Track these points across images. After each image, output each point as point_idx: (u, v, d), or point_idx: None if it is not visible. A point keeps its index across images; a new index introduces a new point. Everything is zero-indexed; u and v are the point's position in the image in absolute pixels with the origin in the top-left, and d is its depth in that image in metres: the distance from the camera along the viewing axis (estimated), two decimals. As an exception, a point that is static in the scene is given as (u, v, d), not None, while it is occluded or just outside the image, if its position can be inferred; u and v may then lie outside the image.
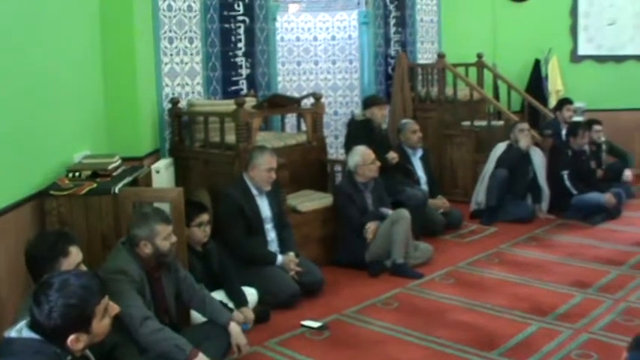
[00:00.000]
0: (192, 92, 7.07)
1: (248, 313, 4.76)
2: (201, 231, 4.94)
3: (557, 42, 10.47)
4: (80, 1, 5.47)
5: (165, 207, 4.47)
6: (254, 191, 5.57)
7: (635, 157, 9.54)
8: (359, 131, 7.27)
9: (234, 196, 5.49)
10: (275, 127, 7.78)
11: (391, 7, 9.21)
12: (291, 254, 5.54)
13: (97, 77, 5.79)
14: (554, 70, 10.25)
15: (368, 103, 7.62)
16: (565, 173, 7.99)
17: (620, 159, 9.22)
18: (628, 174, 8.99)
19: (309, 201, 6.42)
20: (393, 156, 7.28)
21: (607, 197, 7.91)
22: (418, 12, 9.57)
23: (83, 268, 3.33)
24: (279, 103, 6.91)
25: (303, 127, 7.09)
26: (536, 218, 7.89)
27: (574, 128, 8.31)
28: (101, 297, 2.66)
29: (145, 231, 3.95)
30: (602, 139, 8.97)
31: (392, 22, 9.27)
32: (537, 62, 10.31)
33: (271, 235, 5.64)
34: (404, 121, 8.01)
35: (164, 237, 3.99)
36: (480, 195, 7.97)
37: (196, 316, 4.48)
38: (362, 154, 6.42)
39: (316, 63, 9.29)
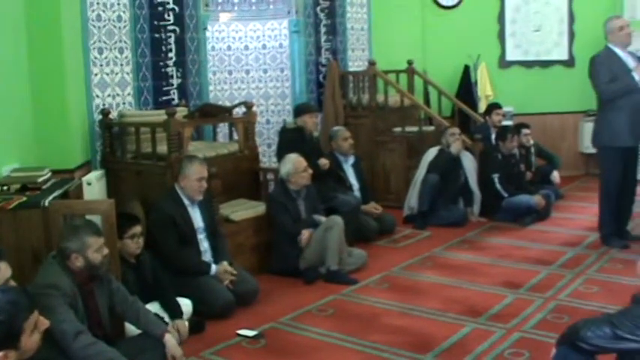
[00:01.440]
0: (124, 103, 7.01)
1: (182, 326, 4.73)
2: (134, 243, 4.90)
3: (486, 48, 10.69)
4: (4, 11, 5.38)
5: (96, 219, 4.42)
6: (186, 201, 5.54)
7: (562, 159, 9.76)
8: (291, 139, 7.29)
9: (165, 207, 5.46)
10: (207, 136, 7.76)
11: (322, 15, 9.25)
12: (225, 264, 5.52)
13: (25, 89, 5.70)
14: (483, 75, 10.43)
15: (299, 111, 7.64)
16: (495, 176, 8.15)
17: (549, 161, 9.46)
18: (556, 176, 9.25)
19: (243, 210, 6.41)
20: (324, 162, 7.31)
21: (536, 199, 8.09)
22: (348, 20, 9.63)
23: (12, 283, 3.28)
24: (211, 113, 6.88)
25: (235, 136, 7.09)
26: (468, 221, 8.03)
27: (503, 132, 8.49)
28: (30, 312, 2.63)
29: (76, 244, 3.90)
30: (531, 142, 9.19)
31: (323, 30, 9.31)
32: (467, 68, 10.47)
33: (204, 245, 5.61)
34: (335, 128, 8.05)
35: (95, 249, 3.95)
36: (412, 200, 8.06)
37: (131, 329, 4.43)
38: (294, 162, 6.44)
39: (248, 72, 9.30)
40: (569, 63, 11.13)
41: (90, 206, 4.87)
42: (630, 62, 6.68)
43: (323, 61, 9.31)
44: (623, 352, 3.12)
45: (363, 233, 7.21)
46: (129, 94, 7.07)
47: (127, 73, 7.05)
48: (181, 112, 6.70)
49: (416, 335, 4.86)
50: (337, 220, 6.26)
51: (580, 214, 8.33)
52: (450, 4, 10.64)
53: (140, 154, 6.43)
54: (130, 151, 6.56)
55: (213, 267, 5.47)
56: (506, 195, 8.10)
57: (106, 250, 4.03)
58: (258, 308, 5.49)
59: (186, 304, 5.02)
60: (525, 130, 9.03)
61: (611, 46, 6.77)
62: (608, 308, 4.98)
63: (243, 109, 7.19)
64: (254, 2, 9.12)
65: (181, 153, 6.09)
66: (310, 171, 6.53)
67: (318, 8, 9.21)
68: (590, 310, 5.12)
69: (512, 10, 10.96)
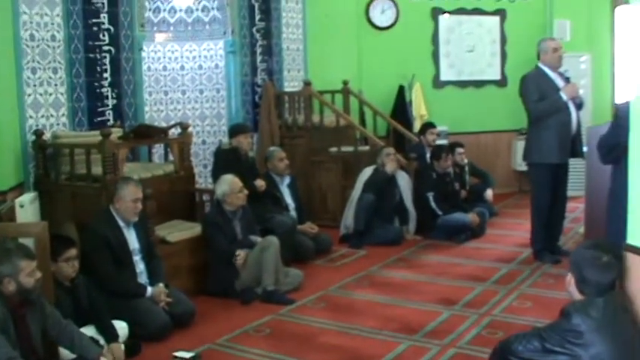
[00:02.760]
0: (58, 124, 6.91)
1: (117, 349, 4.68)
2: (69, 266, 4.84)
3: (420, 68, 10.80)
4: None
5: (29, 242, 4.37)
6: (121, 223, 5.49)
7: (496, 178, 9.92)
8: (226, 160, 7.31)
9: (99, 229, 5.40)
10: (142, 157, 7.70)
11: (257, 35, 9.28)
12: (161, 285, 5.48)
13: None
14: (417, 95, 10.52)
15: (233, 131, 7.67)
16: (430, 195, 8.25)
17: (482, 180, 9.60)
18: (490, 194, 9.38)
19: (178, 231, 6.38)
20: (260, 184, 7.33)
21: (471, 217, 8.22)
22: (284, 40, 9.67)
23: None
24: (146, 134, 6.85)
25: (171, 157, 7.06)
26: (403, 240, 8.09)
27: (437, 151, 8.61)
28: None
29: (8, 268, 3.85)
30: (465, 161, 9.32)
31: (258, 50, 9.34)
32: (402, 88, 10.53)
33: (140, 266, 5.56)
34: (271, 148, 8.07)
35: (28, 273, 3.90)
36: (348, 219, 8.11)
37: (65, 353, 4.38)
38: (230, 182, 6.43)
39: (183, 92, 9.27)
40: (502, 83, 11.34)
41: (22, 229, 4.81)
42: (559, 82, 6.87)
43: (259, 81, 9.33)
44: (553, 365, 3.21)
45: (299, 253, 7.22)
46: (63, 114, 6.97)
47: (62, 94, 6.96)
48: (116, 133, 6.63)
49: (352, 354, 4.89)
50: (273, 240, 6.27)
51: (513, 231, 8.47)
52: (385, 25, 10.73)
53: (74, 175, 6.35)
54: (64, 172, 6.47)
55: (149, 289, 5.43)
56: (441, 213, 8.21)
57: (38, 274, 3.99)
58: (194, 330, 5.46)
59: (121, 327, 4.96)
60: (459, 149, 9.18)
61: (541, 65, 6.95)
62: (541, 322, 5.03)
63: (178, 129, 7.17)
64: (190, 23, 9.12)
65: (116, 174, 6.04)
66: (246, 191, 6.54)
67: (254, 29, 9.24)
68: (523, 324, 5.21)
69: (446, 30, 11.12)
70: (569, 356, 3.09)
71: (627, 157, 3.43)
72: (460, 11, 11.14)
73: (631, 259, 3.35)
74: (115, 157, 6.12)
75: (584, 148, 6.91)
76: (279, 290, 6.16)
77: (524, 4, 11.31)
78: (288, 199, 7.77)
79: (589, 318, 3.10)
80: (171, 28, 9.12)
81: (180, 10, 9.09)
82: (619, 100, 10.33)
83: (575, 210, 8.87)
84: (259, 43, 9.33)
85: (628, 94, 3.49)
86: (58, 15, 6.86)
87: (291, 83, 9.76)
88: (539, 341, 3.18)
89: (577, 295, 3.30)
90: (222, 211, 6.42)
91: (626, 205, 3.44)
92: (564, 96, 6.73)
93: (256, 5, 9.24)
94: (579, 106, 6.93)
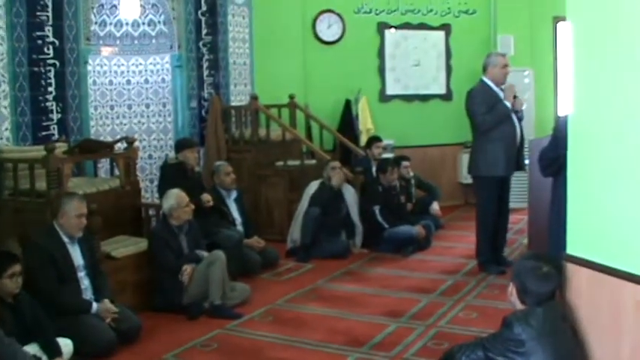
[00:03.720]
0: (1, 138, 6.79)
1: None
2: (12, 282, 4.75)
3: (367, 82, 10.87)
4: None
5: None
6: (65, 239, 5.43)
7: (442, 190, 10.02)
8: (172, 174, 7.28)
9: (43, 245, 5.33)
10: (88, 172, 7.62)
11: (204, 50, 9.28)
12: (107, 301, 5.42)
13: None
14: (364, 109, 10.58)
15: (180, 146, 7.65)
16: (376, 208, 8.31)
17: (428, 192, 9.69)
18: (436, 207, 9.46)
19: (124, 247, 6.33)
20: (207, 199, 7.31)
21: (417, 229, 8.29)
22: (231, 55, 9.67)
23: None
24: (92, 148, 6.80)
25: (117, 171, 7.00)
26: (350, 253, 8.13)
27: (383, 165, 8.66)
28: None
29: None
30: (411, 174, 9.40)
31: (205, 64, 9.33)
32: (348, 102, 10.60)
33: (85, 282, 5.49)
34: (218, 163, 8.06)
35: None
36: (295, 233, 8.12)
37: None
38: (176, 197, 6.41)
39: (130, 107, 9.22)
40: (447, 97, 11.47)
41: (-36, 246, 4.74)
42: (501, 94, 6.98)
43: (205, 95, 9.32)
44: (496, 374, 3.26)
45: (246, 267, 7.20)
46: (7, 129, 6.86)
47: (5, 108, 6.84)
48: (61, 147, 6.57)
49: (300, 367, 4.91)
50: (220, 254, 6.26)
51: (459, 243, 8.57)
52: (332, 39, 10.79)
53: (18, 190, 6.26)
54: (7, 187, 6.37)
55: (94, 305, 5.36)
56: (387, 226, 8.26)
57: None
58: (141, 346, 5.41)
59: (66, 344, 4.90)
60: (405, 163, 9.27)
61: (485, 80, 7.06)
62: (487, 333, 5.12)
63: (124, 144, 7.12)
64: (136, 37, 9.07)
65: (61, 189, 5.98)
66: (192, 206, 6.52)
67: (201, 43, 9.23)
68: (470, 335, 5.24)
69: (392, 45, 11.22)
70: (512, 365, 3.15)
71: (567, 170, 3.50)
72: (406, 26, 11.25)
73: (571, 269, 3.42)
74: (60, 172, 6.05)
75: (527, 161, 7.04)
76: (226, 304, 6.14)
77: (469, 20, 11.48)
78: (235, 213, 7.76)
79: (529, 327, 3.16)
80: (118, 42, 9.06)
81: (127, 24, 9.04)
82: (561, 113, 10.52)
83: (519, 222, 9.01)
84: (206, 57, 9.32)
85: (568, 108, 3.58)
86: (1, 28, 6.76)
87: (238, 97, 9.76)
88: (482, 351, 3.24)
89: (519, 305, 3.36)
90: (168, 226, 6.39)
91: (566, 216, 3.51)
92: (508, 104, 6.85)
93: (203, 19, 9.23)
94: (520, 118, 7.06)
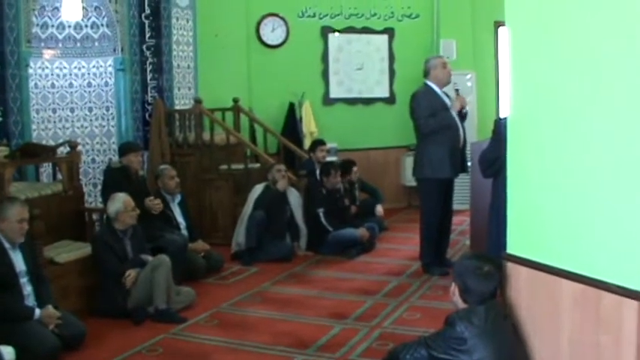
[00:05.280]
0: (-59, 142, 6.73)
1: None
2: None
3: (310, 86, 10.93)
4: None
5: None
6: (6, 244, 5.34)
7: (385, 193, 10.10)
8: (116, 179, 7.21)
9: (-17, 251, 5.26)
10: (30, 176, 7.54)
11: (147, 53, 9.22)
12: (50, 307, 5.35)
13: None
14: (307, 112, 10.63)
15: (123, 150, 7.59)
16: (320, 211, 8.35)
17: (372, 195, 9.77)
18: (379, 209, 9.53)
19: (67, 252, 6.27)
20: (156, 202, 7.27)
21: (361, 232, 8.36)
22: (175, 58, 9.61)
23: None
24: (33, 152, 6.73)
25: (60, 176, 6.93)
26: (295, 256, 8.15)
27: (327, 168, 8.71)
28: None
29: None
30: (355, 177, 9.46)
31: (149, 68, 9.27)
32: (292, 105, 10.64)
33: (27, 289, 5.41)
34: (162, 167, 8.00)
35: None
36: (239, 236, 8.12)
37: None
38: (123, 200, 6.36)
39: (72, 110, 9.14)
40: (390, 100, 11.58)
41: None
42: (447, 99, 7.07)
43: (149, 99, 9.27)
44: (440, 371, 3.32)
45: (191, 271, 7.17)
46: (-54, 134, 6.78)
47: (-57, 112, 6.76)
48: (2, 152, 6.48)
49: (246, 370, 4.92)
50: (164, 258, 6.23)
51: (403, 245, 8.65)
52: (275, 43, 10.82)
53: (-42, 196, 6.18)
54: (-54, 192, 6.29)
55: (37, 311, 5.29)
56: (331, 229, 8.32)
57: None
58: (85, 352, 5.35)
59: (8, 352, 4.81)
60: (354, 168, 9.35)
61: (429, 83, 7.16)
62: (431, 332, 5.21)
63: (67, 148, 7.06)
64: (79, 39, 8.99)
65: (2, 194, 5.90)
66: (138, 210, 6.48)
67: (144, 46, 9.18)
68: (414, 335, 5.26)
69: (336, 49, 11.29)
70: (454, 363, 3.21)
71: (506, 171, 3.58)
72: (349, 30, 11.34)
73: (511, 267, 3.50)
74: (1, 177, 5.98)
75: (469, 163, 7.15)
76: (171, 309, 6.11)
77: (412, 24, 11.60)
78: (179, 217, 7.72)
79: (472, 325, 3.22)
80: (60, 45, 8.98)
81: (69, 27, 8.96)
82: (502, 115, 10.70)
83: (462, 223, 9.13)
84: (149, 60, 9.26)
85: (508, 110, 3.68)
86: (-61, 30, 6.69)
87: (182, 101, 9.72)
88: (425, 349, 3.29)
89: (461, 304, 3.42)
90: (112, 230, 6.35)
91: (505, 216, 3.59)
92: (454, 112, 6.95)
93: (146, 23, 9.18)
94: (464, 117, 7.17)
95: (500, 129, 4.55)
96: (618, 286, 2.89)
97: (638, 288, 2.82)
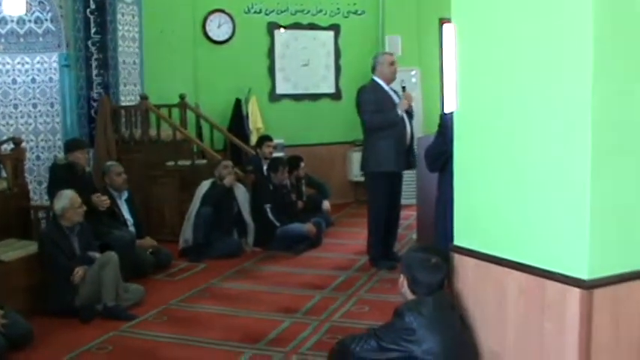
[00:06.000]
0: None
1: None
2: None
3: (257, 82, 10.91)
4: None
5: None
6: (-49, 243, 5.31)
7: (332, 188, 10.15)
8: (62, 176, 7.14)
9: None
10: (-27, 174, 7.44)
11: (93, 49, 9.13)
12: (-5, 307, 5.32)
13: None
14: (254, 108, 10.62)
15: (69, 146, 7.51)
16: (268, 207, 8.38)
17: (319, 191, 9.80)
18: (326, 205, 9.57)
19: (13, 250, 6.20)
20: (103, 198, 7.20)
21: (308, 227, 8.40)
22: (120, 54, 9.52)
23: None
24: (-24, 150, 6.64)
25: (4, 173, 6.86)
26: (243, 252, 8.17)
27: (274, 164, 8.74)
28: None
29: None
30: (302, 173, 9.49)
31: (94, 64, 9.18)
32: (238, 101, 10.62)
33: (-27, 288, 5.39)
34: (108, 163, 7.93)
35: None
36: (187, 233, 8.10)
37: None
38: (70, 197, 6.30)
39: (16, 106, 9.00)
40: (336, 96, 11.62)
41: None
42: (393, 95, 7.15)
43: (95, 95, 9.17)
44: (389, 362, 3.38)
45: (139, 268, 7.13)
46: None
47: None
48: (-56, 149, 6.40)
49: (196, 365, 4.92)
50: (112, 255, 6.20)
51: (350, 240, 8.71)
52: (222, 39, 10.78)
53: None
54: None
55: (-18, 311, 5.25)
56: (278, 224, 8.35)
57: None
58: (33, 352, 5.30)
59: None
60: (302, 164, 9.38)
61: (376, 79, 7.22)
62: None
63: (11, 145, 6.98)
64: (22, 35, 8.87)
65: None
66: (84, 207, 6.43)
67: (90, 42, 9.09)
68: (362, 328, 5.35)
69: (282, 45, 11.29)
70: (404, 352, 3.26)
71: (452, 165, 3.64)
72: (295, 26, 11.34)
73: (458, 259, 3.56)
74: (-56, 175, 5.90)
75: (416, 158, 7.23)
76: (120, 306, 6.09)
77: (358, 20, 11.66)
78: (126, 214, 7.67)
79: (420, 316, 3.28)
80: (2, 40, 8.84)
81: (12, 21, 8.83)
82: (447, 110, 10.83)
83: (409, 217, 9.21)
84: (95, 56, 9.17)
85: (453, 105, 3.74)
86: None
87: (128, 97, 9.64)
88: (375, 340, 3.34)
89: (409, 296, 3.48)
90: (59, 227, 6.29)
91: (452, 210, 3.65)
92: (400, 111, 7.02)
93: (92, 18, 9.09)
94: (411, 115, 7.25)
95: (445, 123, 4.62)
96: (562, 275, 2.97)
97: (580, 276, 2.90)
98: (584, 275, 2.90)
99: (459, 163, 3.58)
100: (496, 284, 3.32)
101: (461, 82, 3.57)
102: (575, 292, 2.92)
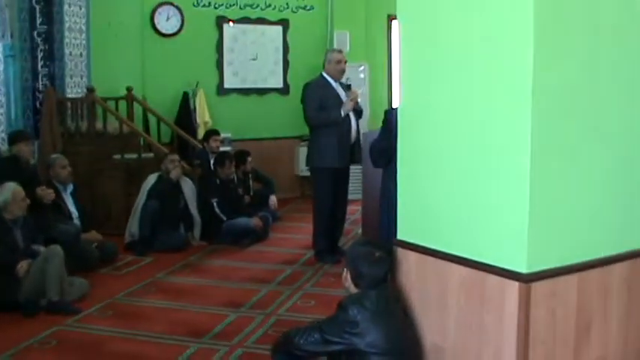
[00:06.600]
0: None
1: None
2: None
3: (205, 75, 10.89)
4: None
5: None
6: None
7: (279, 183, 10.18)
8: (5, 168, 7.05)
9: None
10: None
11: (38, 40, 9.01)
12: None
13: None
14: (201, 102, 10.61)
15: (14, 138, 7.42)
16: (214, 201, 8.39)
17: (266, 185, 9.81)
18: (273, 199, 9.57)
19: (-47, 244, 6.11)
20: (48, 191, 7.13)
21: (255, 221, 8.43)
22: (67, 45, 9.40)
23: None
24: None
25: (-55, 165, 6.75)
26: (189, 246, 8.17)
27: (221, 158, 8.73)
28: None
29: None
30: (249, 167, 9.50)
31: (40, 55, 9.07)
32: (186, 95, 10.59)
33: None
34: (53, 156, 7.85)
35: None
36: (133, 226, 8.07)
37: None
38: (13, 190, 6.21)
39: (-42, 97, 8.86)
40: (284, 91, 11.66)
41: None
42: (341, 91, 7.21)
43: (40, 87, 9.06)
44: (333, 354, 3.41)
45: (84, 262, 7.06)
46: None
47: None
48: None
49: None
50: (57, 249, 6.14)
51: (297, 234, 8.77)
52: (170, 32, 10.72)
53: None
54: None
55: None
56: (225, 218, 8.36)
57: None
58: (-27, 347, 5.25)
59: None
60: (249, 158, 9.38)
61: (325, 75, 7.28)
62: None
63: (-48, 137, 6.87)
64: (-36, 24, 8.74)
65: None
66: (28, 200, 6.36)
67: (35, 32, 8.97)
68: (308, 322, 5.42)
69: (230, 39, 11.27)
70: (347, 345, 3.30)
71: (396, 160, 3.69)
72: (244, 20, 11.34)
73: (401, 253, 3.61)
74: None
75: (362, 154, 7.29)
76: (65, 300, 6.04)
77: (307, 15, 11.70)
78: (71, 207, 7.60)
79: (364, 309, 3.32)
80: (-57, 30, 8.70)
81: (-46, 11, 8.69)
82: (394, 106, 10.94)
83: (355, 212, 9.28)
84: (40, 47, 9.06)
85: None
86: None
87: (74, 89, 9.53)
88: (319, 333, 3.38)
89: (353, 289, 3.52)
90: (2, 221, 6.19)
91: (395, 204, 3.71)
92: (343, 112, 7.07)
93: (37, 8, 8.97)
94: (360, 113, 7.31)
95: (390, 119, 4.68)
96: (500, 268, 3.04)
97: (519, 270, 2.97)
98: (523, 269, 2.97)
99: (403, 158, 3.63)
100: (438, 277, 3.38)
101: (404, 77, 3.63)
102: (514, 286, 2.99)
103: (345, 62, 7.40)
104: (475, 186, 3.16)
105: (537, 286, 3.00)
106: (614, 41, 3.15)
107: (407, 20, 3.61)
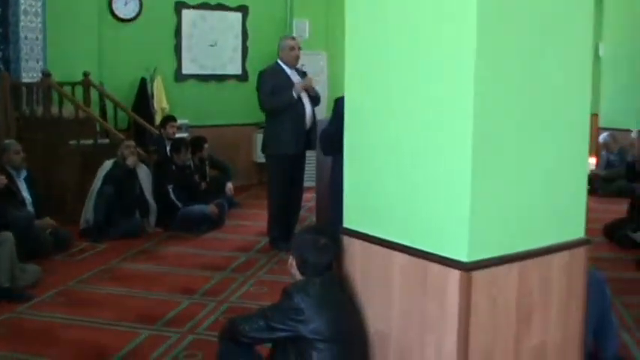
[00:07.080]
0: None
1: None
2: None
3: (163, 61, 10.85)
4: None
5: None
6: None
7: (236, 170, 10.18)
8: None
9: None
10: None
11: (-8, 23, 8.94)
12: None
13: None
14: (159, 88, 10.56)
15: (-34, 124, 7.36)
16: (170, 187, 8.39)
17: (222, 172, 9.79)
18: (230, 186, 9.56)
19: None
20: (1, 178, 7.04)
21: (210, 208, 8.44)
22: (22, 29, 9.31)
23: None
24: None
25: None
26: (144, 232, 8.17)
27: (177, 144, 8.72)
28: None
29: None
30: (206, 154, 9.48)
31: (-6, 38, 8.99)
32: (143, 81, 10.53)
33: None
34: (7, 141, 7.74)
35: None
36: (88, 213, 8.04)
37: None
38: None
39: None
40: (243, 77, 11.66)
41: None
42: (295, 78, 7.25)
43: (-6, 71, 8.98)
44: (278, 341, 3.44)
45: (37, 248, 7.01)
46: None
47: None
48: None
49: (91, 346, 4.93)
50: (8, 235, 6.09)
51: (252, 221, 8.80)
52: (128, 17, 10.63)
53: None
54: None
55: None
56: (180, 205, 8.36)
57: None
58: None
59: None
60: (206, 145, 9.35)
61: (280, 62, 7.32)
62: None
63: None
64: None
65: None
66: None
67: (-12, 16, 8.88)
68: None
69: (189, 24, 11.21)
70: (291, 332, 3.33)
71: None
72: (203, 6, 11.30)
73: (346, 241, 3.64)
74: None
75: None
76: (17, 287, 6.00)
77: (266, 2, 11.70)
78: (25, 193, 7.51)
79: (308, 296, 3.35)
80: None
81: None
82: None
83: (311, 199, 9.29)
84: (-6, 30, 8.97)
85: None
86: None
87: (30, 74, 9.46)
88: (264, 320, 3.40)
89: (298, 276, 3.55)
90: (-47, 206, 6.17)
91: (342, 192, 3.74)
92: (295, 93, 7.10)
93: (-9, -10, 8.89)
94: (316, 100, 7.34)
95: (339, 107, 4.71)
96: (442, 257, 3.08)
97: (460, 258, 3.02)
98: (464, 258, 3.01)
99: (349, 146, 3.66)
100: (381, 265, 3.42)
101: (349, 65, 3.67)
102: (455, 274, 3.03)
103: (299, 49, 7.44)
104: (418, 175, 3.20)
105: (478, 275, 3.03)
106: (554, 41, 3.20)
107: (352, 7, 3.66)
